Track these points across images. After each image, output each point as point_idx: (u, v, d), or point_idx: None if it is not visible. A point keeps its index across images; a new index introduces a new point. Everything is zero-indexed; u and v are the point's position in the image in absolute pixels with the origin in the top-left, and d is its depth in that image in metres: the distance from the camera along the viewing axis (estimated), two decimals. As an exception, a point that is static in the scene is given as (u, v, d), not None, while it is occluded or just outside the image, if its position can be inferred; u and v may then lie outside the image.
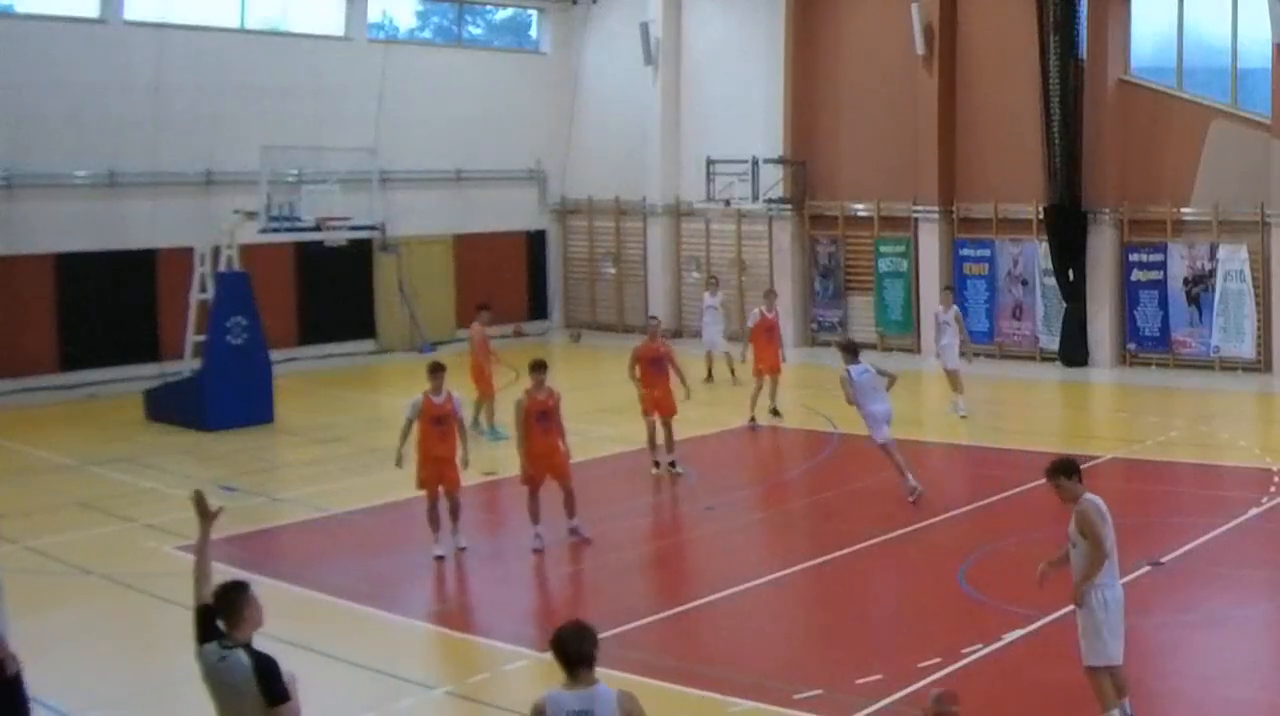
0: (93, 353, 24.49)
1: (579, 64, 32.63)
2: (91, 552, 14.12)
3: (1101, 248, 25.46)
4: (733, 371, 24.53)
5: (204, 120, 25.78)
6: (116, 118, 24.81)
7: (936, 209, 27.09)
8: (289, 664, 6.97)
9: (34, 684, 10.04)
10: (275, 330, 23.84)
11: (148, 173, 25.37)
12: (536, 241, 32.68)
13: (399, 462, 13.92)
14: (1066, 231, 25.32)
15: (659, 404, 17.43)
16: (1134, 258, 25.30)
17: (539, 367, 14.24)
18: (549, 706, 6.99)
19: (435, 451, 13.87)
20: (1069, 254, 25.44)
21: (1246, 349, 24.21)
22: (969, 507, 15.62)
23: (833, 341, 20.15)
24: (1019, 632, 11.12)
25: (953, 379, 21.48)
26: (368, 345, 29.21)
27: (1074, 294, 25.51)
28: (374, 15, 29.91)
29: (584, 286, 32.87)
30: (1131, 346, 25.46)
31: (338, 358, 27.96)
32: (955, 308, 22.17)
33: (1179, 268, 24.78)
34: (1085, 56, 25.13)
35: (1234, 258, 24.19)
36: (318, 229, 23.31)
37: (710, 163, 28.19)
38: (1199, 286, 24.59)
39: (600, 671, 10.48)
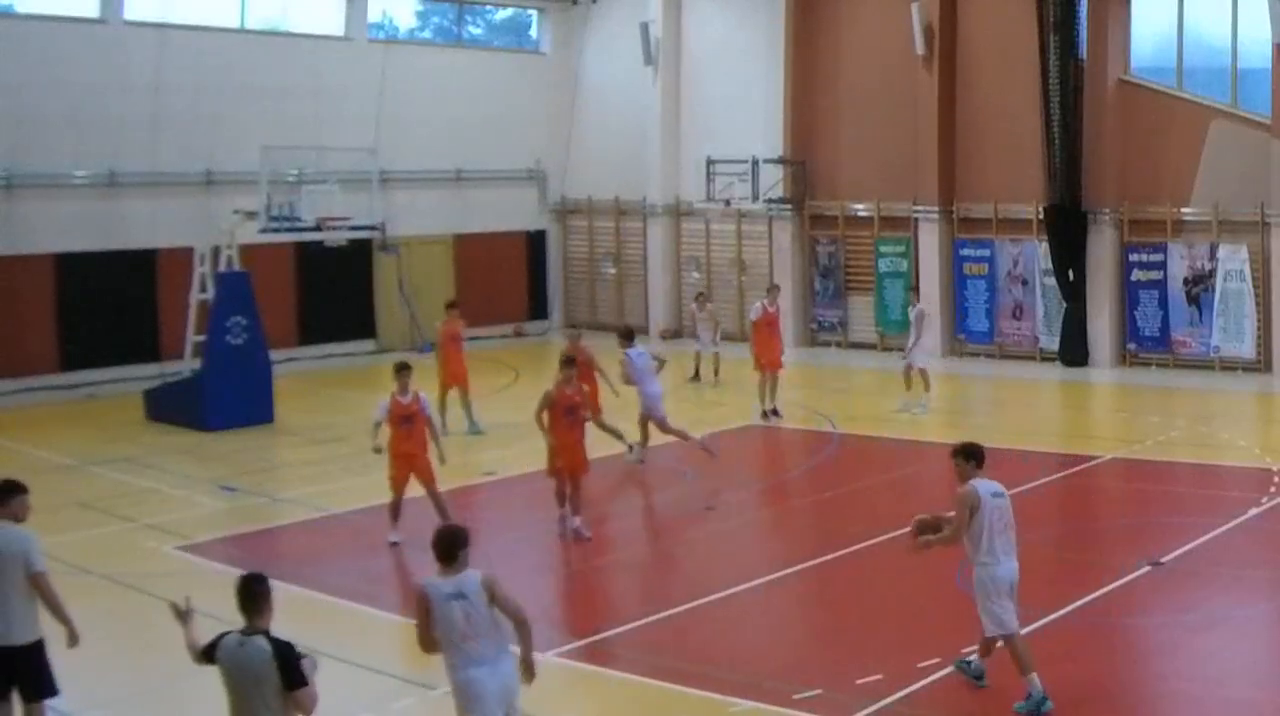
0: (93, 353, 24.50)
1: (579, 64, 32.63)
2: (91, 552, 14.11)
3: (1101, 248, 25.46)
4: (716, 371, 24.58)
5: (204, 120, 25.78)
6: (116, 118, 24.81)
7: (936, 209, 27.09)
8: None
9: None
10: (275, 330, 23.83)
11: (148, 173, 25.37)
12: (536, 241, 32.69)
13: (377, 450, 14.35)
14: (1066, 231, 25.31)
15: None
16: (1134, 258, 25.29)
17: (569, 363, 14.72)
18: (429, 590, 8.06)
19: (404, 448, 14.27)
20: (1069, 254, 25.44)
21: (1246, 349, 24.21)
22: (969, 507, 15.57)
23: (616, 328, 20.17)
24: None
25: (921, 377, 21.53)
26: (368, 345, 29.21)
27: (1074, 294, 25.50)
28: (374, 15, 29.91)
29: (584, 286, 32.87)
30: (1131, 346, 25.45)
31: (338, 357, 27.96)
32: (920, 306, 22.28)
33: (1179, 268, 24.77)
34: (1085, 56, 25.12)
35: (1234, 258, 24.18)
36: (318, 229, 23.30)
37: (710, 163, 28.19)
38: (1199, 286, 24.59)
39: (600, 671, 10.49)
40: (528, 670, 8.05)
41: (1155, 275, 25.05)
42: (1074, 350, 25.61)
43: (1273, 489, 15.69)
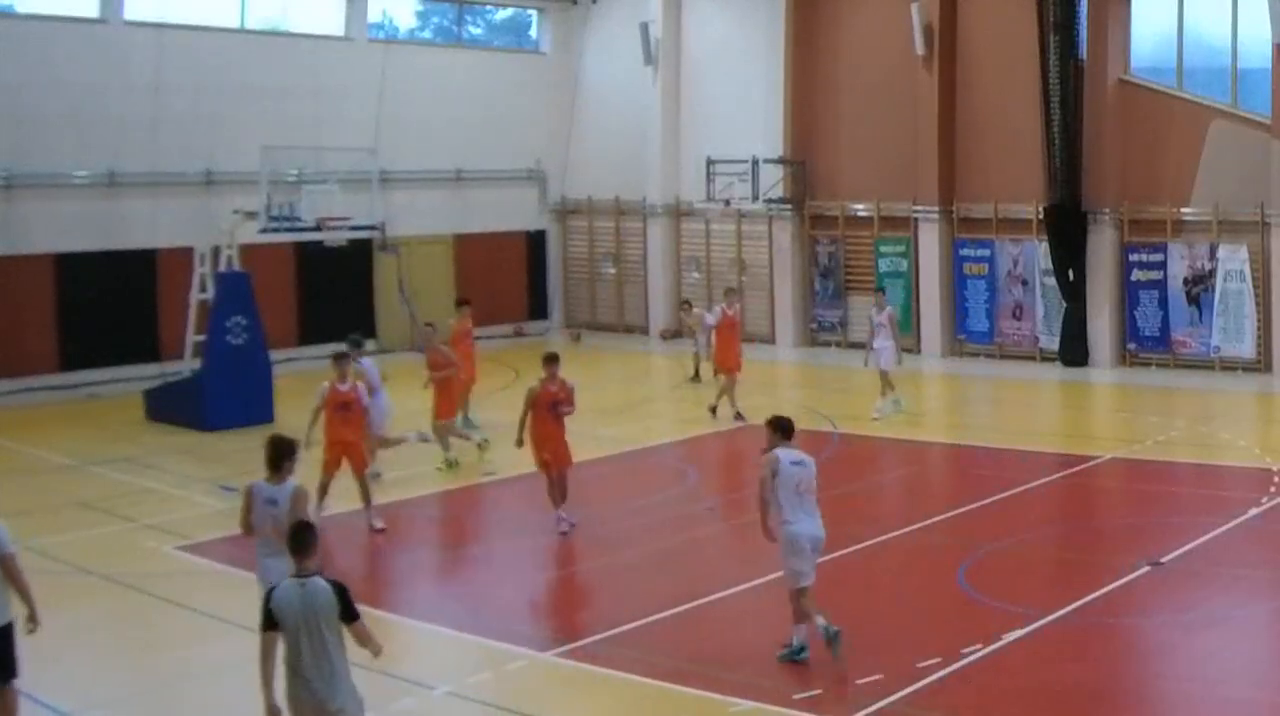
0: (93, 353, 24.49)
1: (579, 64, 32.63)
2: (91, 552, 14.12)
3: (1101, 248, 25.46)
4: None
5: (204, 120, 25.77)
6: (116, 118, 24.81)
7: (936, 209, 27.09)
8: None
9: (34, 683, 10.06)
10: (275, 330, 23.84)
11: (148, 173, 25.37)
12: (536, 241, 32.68)
13: (307, 446, 14.26)
14: (1066, 231, 25.31)
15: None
16: (1134, 258, 25.29)
17: (551, 360, 14.94)
18: (255, 491, 10.01)
19: (339, 435, 14.86)
20: (1069, 254, 25.43)
21: (1246, 349, 24.21)
22: (969, 507, 15.61)
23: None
24: (1019, 632, 11.12)
25: (884, 380, 21.23)
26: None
27: (1074, 294, 25.50)
28: (374, 15, 29.91)
29: (584, 286, 32.87)
30: (1131, 346, 25.45)
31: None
32: (889, 308, 21.90)
33: (1179, 268, 24.78)
34: (1085, 56, 25.13)
35: (1234, 258, 24.18)
36: (318, 229, 23.29)
37: (710, 163, 28.19)
38: (1199, 286, 24.59)
39: (600, 671, 10.51)
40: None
41: (1155, 275, 25.05)
42: (1074, 350, 25.61)
43: (1273, 489, 15.69)
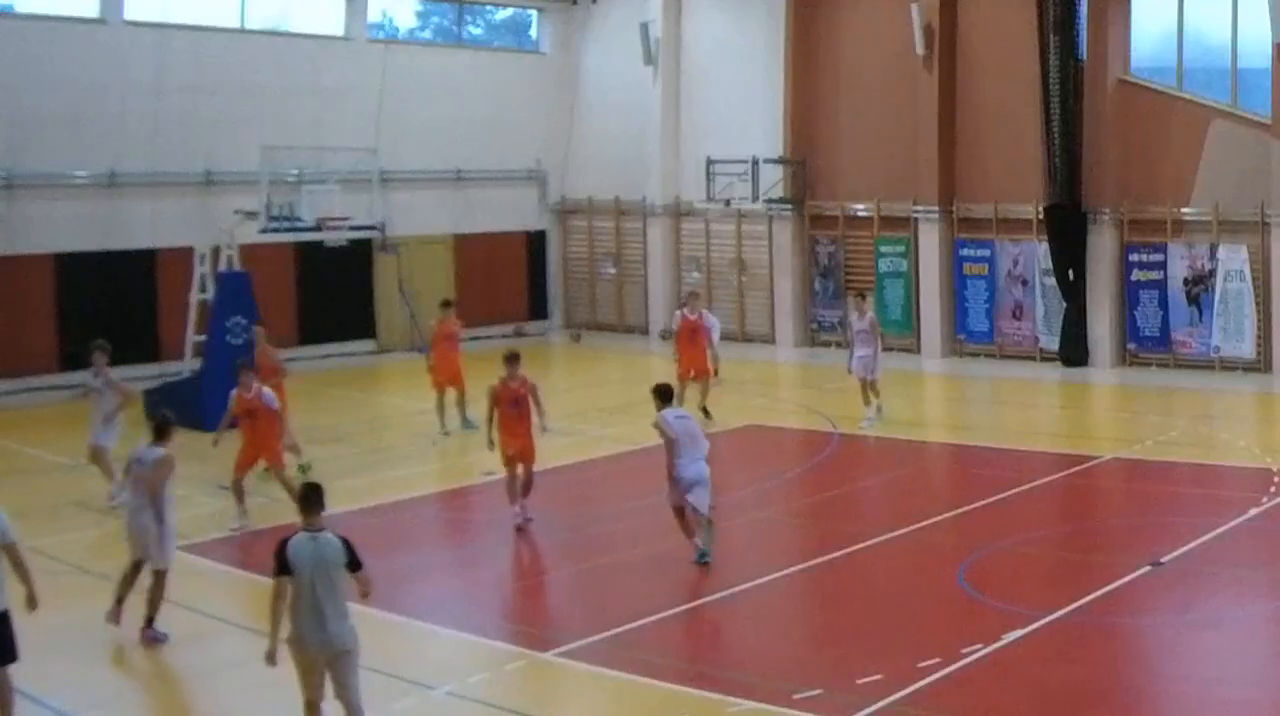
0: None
1: (579, 64, 32.63)
2: (91, 552, 14.12)
3: (1101, 248, 25.45)
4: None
5: (204, 120, 25.77)
6: (116, 118, 24.81)
7: (936, 209, 27.08)
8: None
9: (34, 683, 10.07)
10: (275, 330, 23.79)
11: (148, 173, 25.37)
12: (536, 241, 32.68)
13: (215, 443, 15.65)
14: (1066, 231, 25.30)
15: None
16: (1134, 258, 25.29)
17: (512, 359, 15.51)
18: (133, 457, 11.93)
19: (251, 438, 15.59)
20: (1069, 254, 25.43)
21: (1246, 349, 24.20)
22: (969, 507, 15.61)
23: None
24: (1019, 632, 11.12)
25: (869, 389, 20.23)
26: (368, 345, 29.21)
27: (1074, 294, 25.50)
28: (374, 15, 29.90)
29: (584, 286, 32.86)
30: (1131, 346, 25.44)
31: (338, 357, 27.95)
32: (870, 314, 20.86)
33: (1179, 268, 24.77)
34: (1085, 56, 25.12)
35: (1234, 258, 24.17)
36: (318, 229, 23.31)
37: (710, 163, 28.18)
38: (1199, 286, 24.58)
39: (601, 671, 10.51)
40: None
41: (1155, 275, 25.04)
42: (1074, 350, 25.61)
43: (1273, 489, 15.69)
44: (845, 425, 20.43)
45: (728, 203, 28.28)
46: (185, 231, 24.54)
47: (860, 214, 28.45)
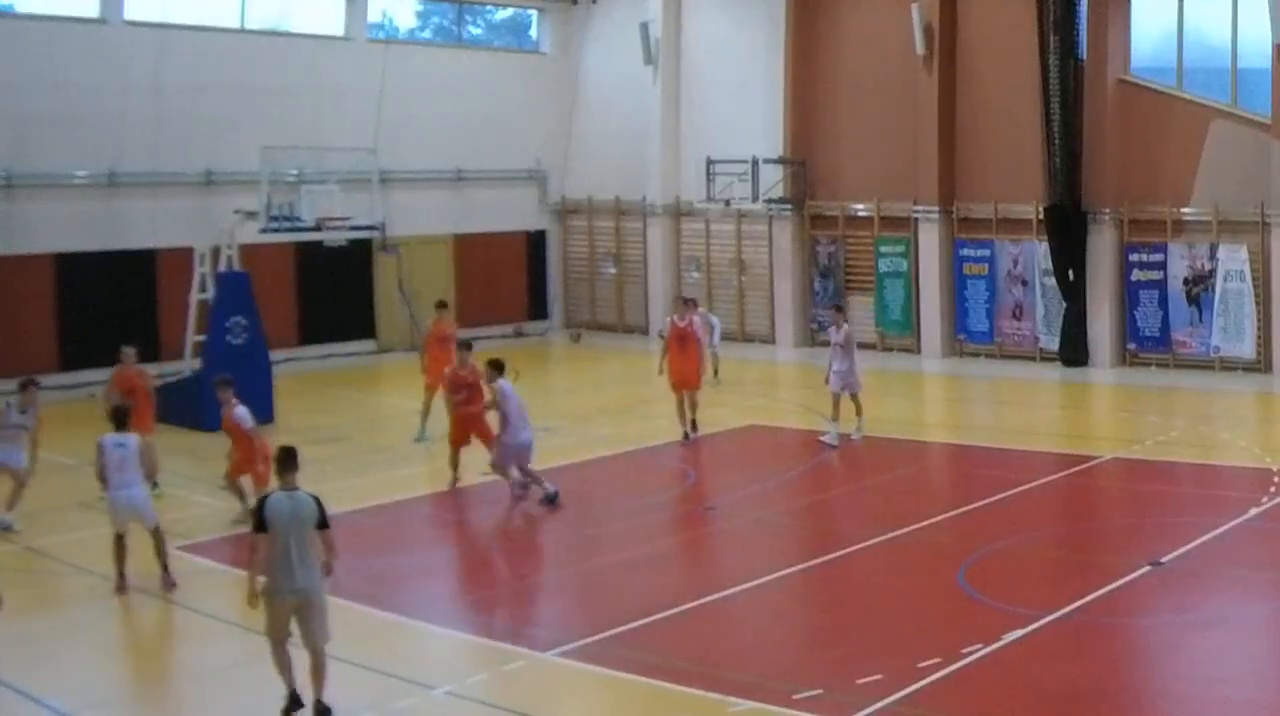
0: (93, 353, 24.44)
1: (579, 64, 32.63)
2: (91, 552, 14.10)
3: (1101, 248, 25.46)
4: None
5: (204, 120, 25.77)
6: (116, 118, 24.81)
7: (936, 209, 27.09)
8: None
9: (34, 683, 10.07)
10: (275, 330, 23.85)
11: (148, 173, 25.37)
12: (536, 241, 32.68)
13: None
14: (1066, 231, 25.31)
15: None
16: (1134, 258, 25.29)
17: (464, 347, 17.27)
18: (103, 444, 13.13)
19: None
20: (1069, 254, 25.43)
21: (1246, 349, 24.21)
22: (969, 507, 15.61)
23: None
24: (1019, 632, 11.12)
25: (840, 404, 19.15)
26: (368, 345, 29.21)
27: (1074, 294, 25.50)
28: (374, 15, 29.91)
29: (584, 286, 32.87)
30: (1131, 346, 25.45)
31: (338, 357, 27.96)
32: (847, 327, 19.40)
33: (1179, 268, 24.77)
34: (1085, 56, 25.13)
35: (1234, 257, 24.18)
36: (318, 229, 23.30)
37: (710, 163, 28.19)
38: (1199, 286, 24.59)
39: (601, 671, 10.52)
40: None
41: (1155, 275, 25.04)
42: (1074, 350, 25.61)
43: (1273, 489, 15.69)
44: (845, 425, 20.41)
45: (728, 203, 28.28)
46: (185, 231, 24.54)
47: (860, 214, 28.46)
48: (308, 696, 9.65)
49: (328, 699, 9.60)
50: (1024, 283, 26.45)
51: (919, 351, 27.46)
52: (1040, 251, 26.01)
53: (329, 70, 27.89)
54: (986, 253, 26.87)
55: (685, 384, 19.76)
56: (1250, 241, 24.08)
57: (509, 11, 33.33)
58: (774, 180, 28.52)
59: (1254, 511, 14.84)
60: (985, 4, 26.65)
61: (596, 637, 11.30)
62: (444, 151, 30.01)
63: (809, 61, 28.85)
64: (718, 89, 30.13)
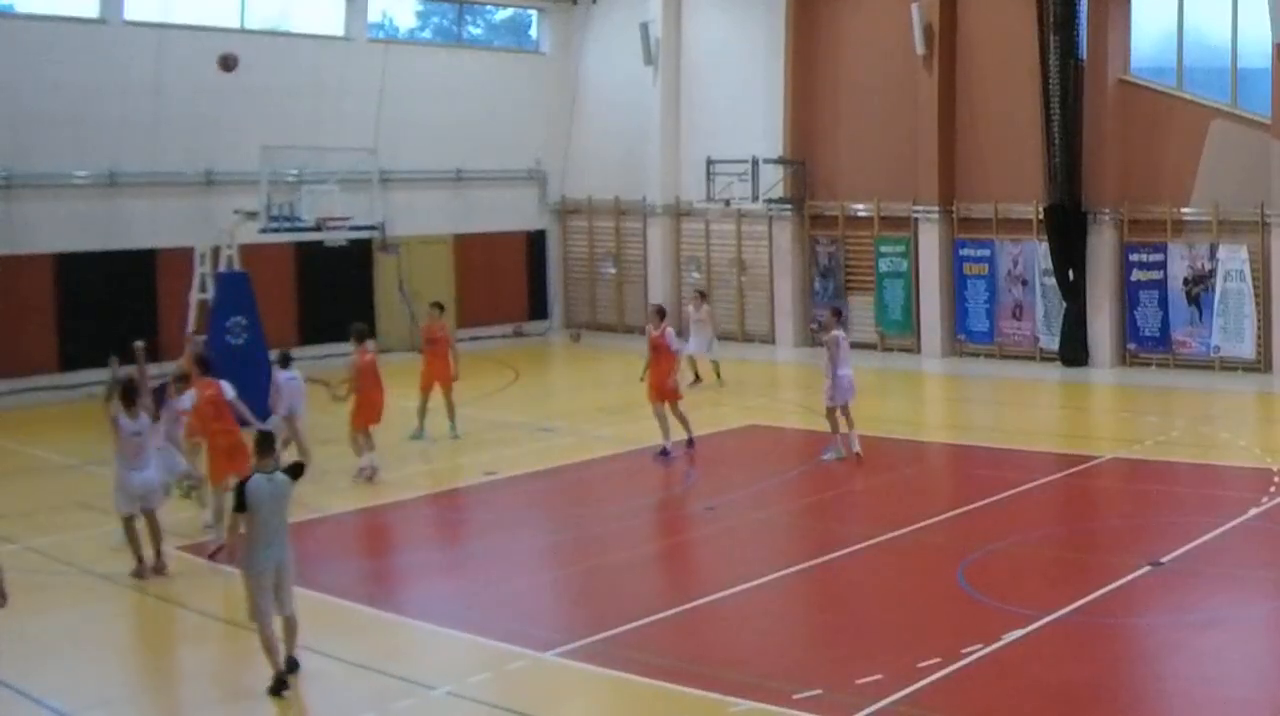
0: (93, 353, 24.42)
1: (579, 64, 32.63)
2: (92, 553, 14.12)
3: (1101, 248, 25.46)
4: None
5: (204, 120, 25.77)
6: (116, 118, 24.81)
7: (936, 209, 27.09)
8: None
9: (34, 683, 10.07)
10: (275, 330, 23.81)
11: (148, 173, 25.37)
12: (536, 241, 32.67)
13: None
14: (1066, 231, 25.31)
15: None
16: (1134, 258, 25.29)
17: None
18: (130, 427, 13.57)
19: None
20: (1069, 254, 25.43)
21: (1246, 349, 24.21)
22: (969, 507, 15.61)
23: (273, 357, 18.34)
24: (1019, 632, 11.11)
25: (845, 414, 18.24)
26: (368, 345, 29.12)
27: (1074, 294, 25.50)
28: (374, 15, 29.90)
29: (584, 286, 32.86)
30: (1131, 346, 25.45)
31: (338, 358, 27.85)
32: (835, 333, 18.37)
33: (1179, 268, 24.78)
34: (1085, 56, 25.13)
35: (1234, 257, 24.18)
36: (318, 229, 23.28)
37: (710, 163, 28.18)
38: (1199, 286, 24.59)
39: (601, 671, 10.52)
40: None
41: (1155, 275, 25.05)
42: (1074, 350, 25.61)
43: (1273, 489, 15.69)
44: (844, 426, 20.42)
45: (728, 203, 28.28)
46: (185, 231, 24.53)
47: (860, 214, 28.46)
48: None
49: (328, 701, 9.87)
50: (1024, 283, 26.45)
51: (919, 351, 27.46)
52: (1040, 251, 26.01)
53: (329, 70, 27.88)
54: (986, 253, 26.88)
55: (663, 396, 18.48)
56: (1250, 241, 24.08)
57: (509, 11, 33.33)
58: (774, 180, 28.53)
59: (1254, 511, 14.84)
60: (985, 4, 26.65)
61: (596, 637, 11.30)
62: (444, 151, 30.00)
63: (809, 61, 28.85)
64: (718, 89, 30.13)
